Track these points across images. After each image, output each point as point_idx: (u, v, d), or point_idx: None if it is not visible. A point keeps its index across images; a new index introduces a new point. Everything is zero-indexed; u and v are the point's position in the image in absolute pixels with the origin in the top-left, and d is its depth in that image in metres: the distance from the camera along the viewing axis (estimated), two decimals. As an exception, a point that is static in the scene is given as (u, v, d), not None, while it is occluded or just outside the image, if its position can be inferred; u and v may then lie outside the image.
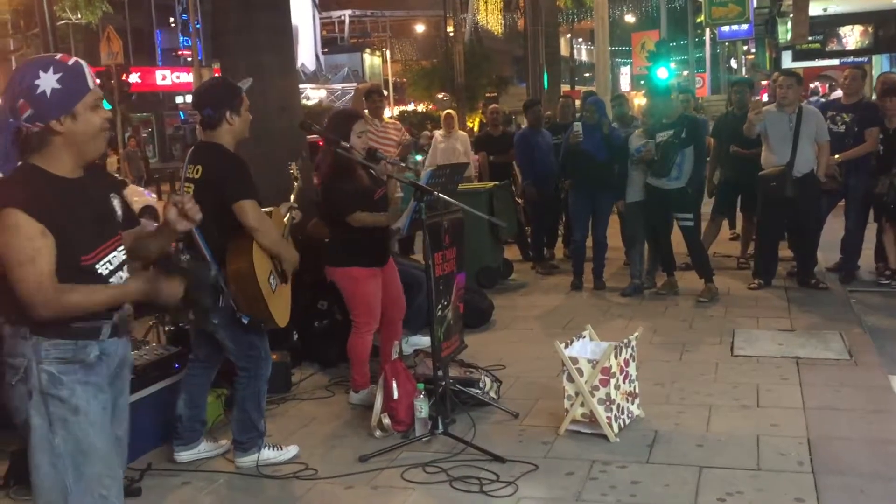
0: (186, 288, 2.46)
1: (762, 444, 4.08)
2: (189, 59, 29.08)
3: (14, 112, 2.39)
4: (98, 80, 2.52)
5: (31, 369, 2.43)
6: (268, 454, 4.17)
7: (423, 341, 5.69)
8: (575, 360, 4.25)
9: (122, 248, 2.59)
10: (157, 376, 4.46)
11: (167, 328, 5.40)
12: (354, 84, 30.49)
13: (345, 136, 4.71)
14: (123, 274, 2.57)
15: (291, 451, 4.25)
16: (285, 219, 4.22)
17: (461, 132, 11.12)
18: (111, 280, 2.51)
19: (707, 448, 4.09)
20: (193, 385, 4.22)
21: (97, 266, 2.47)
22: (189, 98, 34.37)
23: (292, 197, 4.42)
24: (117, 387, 2.65)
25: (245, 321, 3.85)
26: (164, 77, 36.10)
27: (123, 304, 2.56)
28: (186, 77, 32.87)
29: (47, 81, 2.38)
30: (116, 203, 2.62)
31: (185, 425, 4.21)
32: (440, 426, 4.31)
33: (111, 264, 2.52)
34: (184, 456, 4.21)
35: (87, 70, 2.47)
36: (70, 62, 2.44)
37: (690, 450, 4.08)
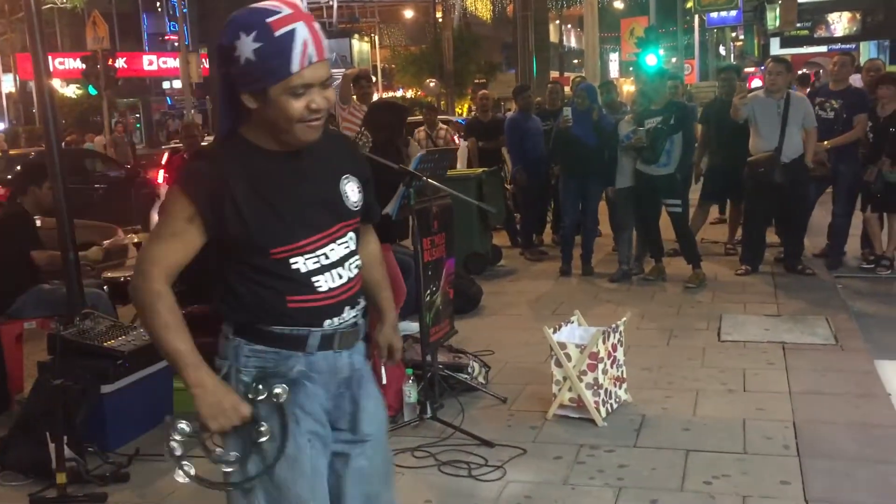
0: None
1: (748, 428, 4.11)
2: (176, 43, 28.86)
3: (220, 65, 1.99)
4: (326, 56, 1.95)
5: (230, 375, 2.05)
6: None
7: (412, 327, 5.69)
8: (563, 345, 4.26)
9: (344, 239, 2.10)
10: (145, 362, 4.44)
11: None
12: (343, 69, 30.29)
13: (400, 128, 5.06)
14: (343, 272, 2.09)
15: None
16: None
17: None
18: (315, 278, 2.04)
19: (694, 432, 4.12)
20: None
21: (293, 260, 2.01)
22: (176, 83, 34.17)
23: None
24: (340, 405, 2.14)
25: None
26: (151, 62, 35.86)
27: (340, 311, 2.09)
28: (173, 62, 32.61)
29: (245, 47, 1.90)
30: (350, 186, 2.13)
31: None
32: (429, 411, 4.32)
33: (327, 258, 2.06)
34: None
35: (301, 45, 1.89)
36: (278, 32, 1.89)
37: (677, 434, 4.11)
